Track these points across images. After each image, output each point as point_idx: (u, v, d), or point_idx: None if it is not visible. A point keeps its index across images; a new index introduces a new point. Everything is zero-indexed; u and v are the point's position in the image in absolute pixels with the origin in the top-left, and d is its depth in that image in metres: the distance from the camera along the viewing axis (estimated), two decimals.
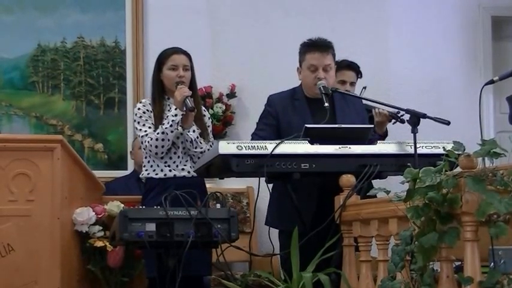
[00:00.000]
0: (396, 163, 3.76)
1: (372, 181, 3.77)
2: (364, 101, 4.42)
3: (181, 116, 4.22)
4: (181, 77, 4.31)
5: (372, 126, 4.30)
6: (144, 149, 4.34)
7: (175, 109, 4.22)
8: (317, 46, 4.17)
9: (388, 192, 2.94)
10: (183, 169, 4.33)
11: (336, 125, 3.93)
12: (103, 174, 5.82)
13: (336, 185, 3.66)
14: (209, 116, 4.61)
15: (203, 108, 4.57)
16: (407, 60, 6.65)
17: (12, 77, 6.39)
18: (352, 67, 5.20)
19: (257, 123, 4.26)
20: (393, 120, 5.15)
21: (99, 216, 4.55)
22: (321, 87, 4.06)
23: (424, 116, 3.75)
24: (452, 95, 6.68)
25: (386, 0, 6.73)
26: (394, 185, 3.03)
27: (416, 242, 2.71)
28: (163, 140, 4.23)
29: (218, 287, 4.81)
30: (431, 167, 2.68)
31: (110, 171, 6.29)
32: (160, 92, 4.39)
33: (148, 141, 4.26)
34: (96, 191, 4.86)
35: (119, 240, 3.79)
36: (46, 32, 6.40)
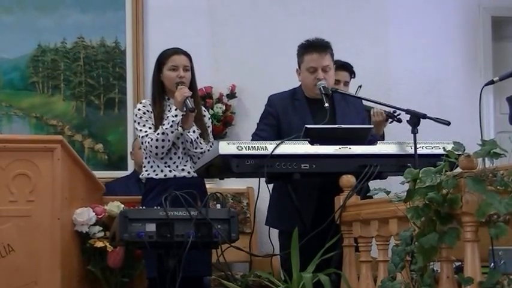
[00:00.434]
0: (396, 163, 3.76)
1: (370, 182, 3.77)
2: (362, 101, 4.42)
3: (181, 117, 4.22)
4: (182, 78, 4.31)
5: (372, 126, 4.31)
6: (144, 149, 4.34)
7: (176, 109, 4.22)
8: (315, 47, 4.17)
9: (388, 192, 2.94)
10: (183, 169, 4.33)
11: (336, 126, 3.93)
12: (103, 175, 5.82)
13: (336, 185, 3.66)
14: (209, 116, 4.61)
15: (203, 108, 4.57)
16: (408, 60, 6.65)
17: (13, 77, 6.39)
18: (346, 67, 5.22)
19: (257, 123, 4.25)
20: (390, 120, 5.15)
21: (99, 216, 4.55)
22: (321, 88, 4.06)
23: (424, 117, 3.75)
24: (453, 95, 6.68)
25: (387, 1, 6.73)
26: (394, 185, 3.03)
27: (416, 243, 2.71)
28: (163, 140, 4.24)
29: None
30: (432, 168, 2.68)
31: (110, 171, 6.29)
32: (161, 93, 4.39)
33: (148, 142, 4.26)
34: (96, 192, 4.86)
35: (119, 241, 3.79)
36: (46, 33, 6.40)
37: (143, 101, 4.51)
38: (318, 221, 3.73)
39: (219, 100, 6.42)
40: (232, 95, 6.48)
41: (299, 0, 6.62)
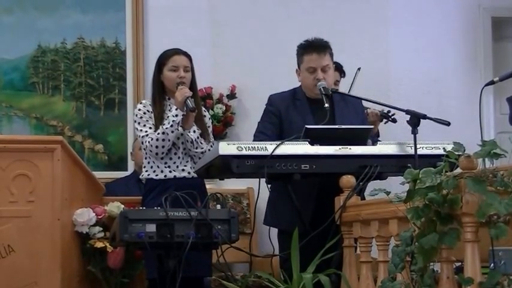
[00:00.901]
0: (396, 164, 3.76)
1: (371, 182, 3.77)
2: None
3: (181, 117, 4.22)
4: (182, 78, 4.31)
5: (372, 127, 4.31)
6: (144, 149, 4.34)
7: (176, 109, 4.23)
8: (314, 47, 4.16)
9: (388, 193, 2.94)
10: (183, 170, 4.33)
11: (336, 126, 3.93)
12: (103, 175, 5.82)
13: (336, 185, 3.66)
14: (209, 116, 4.61)
15: (203, 108, 4.57)
16: (408, 61, 6.65)
17: (13, 78, 6.39)
18: (336, 67, 5.21)
19: (258, 123, 4.24)
20: (385, 120, 5.15)
21: (100, 217, 4.55)
22: (321, 88, 4.06)
23: (424, 117, 3.75)
24: (453, 95, 6.68)
25: (387, 1, 6.73)
26: (394, 185, 3.03)
27: (416, 243, 2.71)
28: (163, 140, 4.24)
29: None
30: (432, 168, 2.68)
31: (110, 172, 6.29)
32: (161, 93, 4.39)
33: (148, 142, 4.26)
34: (96, 192, 4.86)
35: (119, 241, 3.79)
36: (46, 33, 6.40)
37: (143, 101, 4.51)
38: (317, 221, 3.73)
39: (219, 100, 6.42)
40: (232, 95, 6.48)
41: (299, 1, 6.62)
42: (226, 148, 3.62)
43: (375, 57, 6.55)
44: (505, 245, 2.60)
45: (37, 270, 4.24)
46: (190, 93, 4.24)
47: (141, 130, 4.33)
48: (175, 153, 4.32)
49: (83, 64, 6.46)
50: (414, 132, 3.73)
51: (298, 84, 4.29)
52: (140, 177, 4.51)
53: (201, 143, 4.32)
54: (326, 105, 3.98)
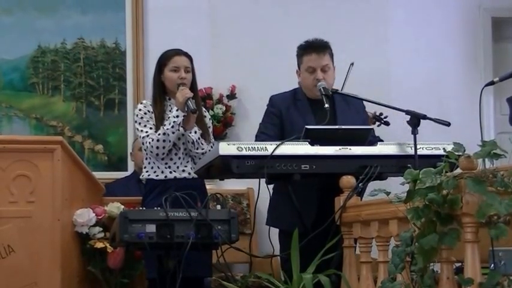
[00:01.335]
0: (396, 164, 3.76)
1: (371, 183, 3.76)
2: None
3: (182, 117, 4.22)
4: (183, 79, 4.31)
5: (372, 127, 4.30)
6: (145, 150, 4.34)
7: (177, 110, 4.22)
8: (313, 47, 4.17)
9: (388, 193, 2.94)
10: (183, 170, 4.33)
11: (336, 126, 3.92)
12: (103, 176, 5.82)
13: (338, 185, 3.66)
14: (210, 117, 4.61)
15: (204, 109, 4.57)
16: (408, 61, 6.65)
17: (13, 78, 6.39)
18: None
19: (260, 124, 4.24)
20: (377, 123, 5.14)
21: (100, 217, 4.55)
22: (321, 89, 4.06)
23: (425, 117, 3.74)
24: (453, 96, 6.68)
25: (387, 1, 6.73)
26: (394, 186, 3.03)
27: (416, 243, 2.71)
28: (164, 141, 4.23)
29: None
30: (432, 168, 2.68)
31: (110, 172, 6.30)
32: (161, 93, 4.39)
33: (149, 142, 4.26)
34: (96, 193, 4.86)
35: (119, 242, 3.79)
36: (46, 33, 6.40)
37: (144, 101, 4.51)
38: (319, 221, 3.73)
39: (219, 101, 6.42)
40: (232, 95, 6.48)
41: (299, 1, 6.62)
42: (226, 148, 3.62)
43: (375, 57, 6.55)
44: (505, 245, 2.60)
45: (37, 270, 4.24)
46: (191, 94, 4.24)
47: (141, 130, 4.33)
48: (175, 154, 4.32)
49: (83, 64, 6.46)
50: (414, 132, 3.72)
51: (298, 84, 4.29)
52: (141, 177, 4.51)
53: (202, 144, 4.32)
54: (326, 105, 3.97)
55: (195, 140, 4.29)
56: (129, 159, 6.30)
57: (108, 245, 4.46)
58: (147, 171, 4.37)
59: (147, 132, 4.30)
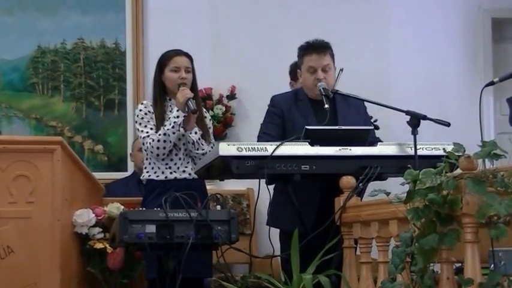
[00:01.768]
0: (396, 165, 3.75)
1: (371, 183, 3.76)
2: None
3: (183, 118, 4.22)
4: (184, 79, 4.31)
5: (373, 127, 4.30)
6: (145, 150, 4.33)
7: (177, 110, 4.22)
8: (314, 48, 4.17)
9: (388, 193, 2.94)
10: (184, 171, 4.32)
11: (336, 127, 3.92)
12: (103, 176, 5.81)
13: (338, 186, 3.65)
14: (210, 117, 4.61)
15: (204, 110, 4.57)
16: (408, 61, 6.65)
17: (12, 78, 6.39)
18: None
19: (261, 125, 4.23)
20: None
21: (99, 218, 4.55)
22: (321, 89, 4.06)
23: (425, 118, 3.74)
24: (453, 96, 6.68)
25: (387, 2, 6.73)
26: (394, 186, 3.03)
27: (416, 244, 2.71)
28: (165, 141, 4.23)
29: None
30: (432, 169, 2.68)
31: (110, 172, 6.29)
32: (162, 94, 4.39)
33: (150, 143, 4.26)
34: (96, 193, 4.86)
35: (119, 242, 3.79)
36: (46, 34, 6.41)
37: (144, 101, 4.51)
38: (320, 221, 3.73)
39: (219, 101, 6.42)
40: (232, 96, 6.48)
41: (299, 1, 6.62)
42: (226, 149, 3.61)
43: (375, 58, 6.55)
44: (505, 245, 2.60)
45: (37, 271, 4.24)
46: (191, 95, 4.24)
47: (142, 131, 4.32)
48: (176, 155, 4.32)
49: (83, 65, 6.46)
50: (414, 133, 3.72)
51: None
52: (141, 178, 4.51)
53: (202, 145, 4.32)
54: (326, 105, 3.97)
55: (195, 141, 4.29)
56: (129, 160, 6.30)
57: (107, 245, 4.46)
58: (147, 172, 4.37)
59: (147, 132, 4.30)
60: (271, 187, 3.95)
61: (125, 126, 6.41)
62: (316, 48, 4.16)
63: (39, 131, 6.34)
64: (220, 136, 6.22)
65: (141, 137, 4.34)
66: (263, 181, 3.69)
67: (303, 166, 3.66)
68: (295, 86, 5.21)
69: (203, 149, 4.31)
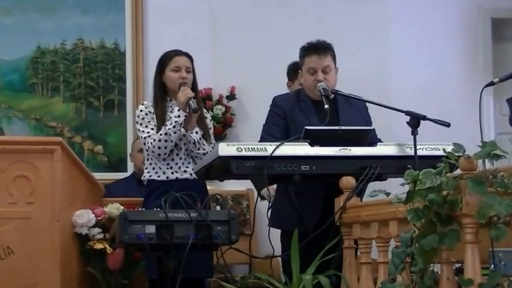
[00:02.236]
0: (396, 165, 3.75)
1: (370, 183, 3.76)
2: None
3: (184, 118, 4.22)
4: (184, 79, 4.31)
5: (372, 128, 4.30)
6: (146, 150, 4.33)
7: (178, 110, 4.22)
8: (315, 48, 4.16)
9: (388, 194, 2.93)
10: (185, 171, 4.32)
11: (336, 127, 3.92)
12: (103, 177, 5.81)
13: (338, 186, 3.65)
14: (210, 118, 4.61)
15: (204, 110, 4.57)
16: (408, 62, 6.65)
17: (12, 79, 6.39)
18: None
19: (264, 126, 4.22)
20: None
21: (99, 218, 4.55)
22: (321, 90, 4.05)
23: (424, 118, 3.74)
24: (453, 96, 6.68)
25: (387, 2, 6.73)
26: (394, 187, 3.03)
27: (416, 244, 2.71)
28: (166, 141, 4.23)
29: None
30: (432, 169, 2.67)
31: (110, 173, 6.29)
32: (162, 94, 4.38)
33: (151, 143, 4.25)
34: (96, 193, 4.86)
35: (119, 243, 3.79)
36: (46, 34, 6.40)
37: (145, 102, 4.51)
38: (323, 222, 3.72)
39: (219, 102, 6.42)
40: (231, 96, 6.48)
41: (299, 2, 6.62)
42: (225, 149, 3.61)
43: (374, 58, 6.55)
44: (505, 246, 2.60)
45: (36, 271, 4.24)
46: (192, 94, 4.24)
47: (143, 131, 4.32)
48: (177, 155, 4.32)
49: (83, 65, 6.46)
50: (414, 133, 3.72)
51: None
52: (142, 178, 4.50)
53: (203, 144, 4.32)
54: (326, 106, 3.97)
55: (196, 141, 4.29)
56: (128, 160, 6.30)
57: (107, 246, 4.46)
58: (148, 172, 4.36)
59: (148, 132, 4.30)
60: (272, 187, 3.94)
61: (125, 127, 6.41)
62: (317, 49, 4.16)
63: (38, 132, 6.34)
64: (220, 136, 6.21)
65: (142, 137, 4.34)
66: None
67: (302, 166, 3.66)
68: (292, 87, 5.21)
69: (204, 149, 4.31)
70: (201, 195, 3.96)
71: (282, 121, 4.14)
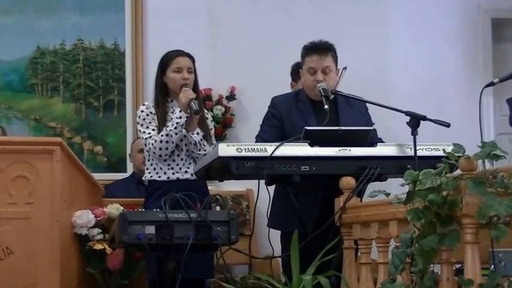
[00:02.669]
0: (396, 165, 3.75)
1: (370, 184, 3.76)
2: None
3: (185, 118, 4.22)
4: (186, 79, 4.31)
5: (372, 128, 4.30)
6: (147, 151, 4.32)
7: (180, 111, 4.22)
8: (315, 48, 4.17)
9: (388, 194, 2.93)
10: (186, 172, 4.32)
11: (336, 128, 3.92)
12: (102, 177, 5.80)
13: (338, 187, 3.65)
14: (211, 118, 4.61)
15: (205, 111, 4.57)
16: (408, 62, 6.65)
17: (12, 79, 6.38)
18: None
19: (261, 125, 4.24)
20: None
21: (99, 218, 4.54)
22: (321, 90, 4.05)
23: (424, 118, 3.74)
24: (453, 97, 6.68)
25: (387, 2, 6.72)
26: (394, 187, 3.03)
27: (416, 245, 2.71)
28: (167, 142, 4.23)
29: None
30: (432, 169, 2.67)
31: (109, 173, 6.29)
32: (164, 95, 4.38)
33: (152, 144, 4.25)
34: (95, 194, 4.86)
35: (119, 243, 3.78)
36: (45, 35, 6.40)
37: (146, 102, 4.50)
38: (322, 222, 3.72)
39: (219, 102, 6.42)
40: (231, 97, 6.48)
41: (299, 2, 6.62)
42: (225, 149, 3.61)
43: (374, 58, 6.55)
44: (505, 246, 2.60)
45: (36, 272, 4.24)
46: (194, 95, 4.24)
47: (144, 132, 4.32)
48: (178, 155, 4.31)
49: (82, 65, 6.45)
50: (414, 133, 3.72)
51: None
52: (143, 178, 4.49)
53: (204, 145, 4.32)
54: (326, 106, 3.97)
55: (197, 142, 4.29)
56: (128, 161, 6.29)
57: (107, 246, 4.46)
58: (149, 173, 4.36)
59: (149, 133, 4.29)
60: (271, 188, 3.94)
61: (125, 127, 6.40)
62: (318, 49, 4.16)
63: (38, 132, 6.33)
64: (219, 137, 6.21)
65: (143, 138, 4.33)
66: (263, 182, 3.69)
67: (302, 167, 3.66)
68: (295, 87, 5.21)
69: (205, 150, 4.30)
70: (202, 195, 3.96)
71: (277, 122, 4.14)
